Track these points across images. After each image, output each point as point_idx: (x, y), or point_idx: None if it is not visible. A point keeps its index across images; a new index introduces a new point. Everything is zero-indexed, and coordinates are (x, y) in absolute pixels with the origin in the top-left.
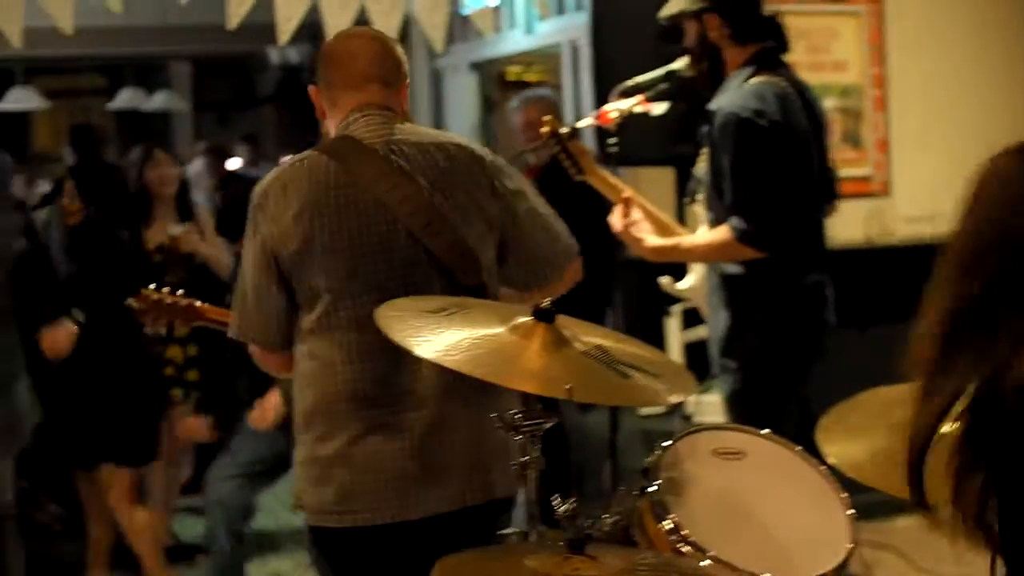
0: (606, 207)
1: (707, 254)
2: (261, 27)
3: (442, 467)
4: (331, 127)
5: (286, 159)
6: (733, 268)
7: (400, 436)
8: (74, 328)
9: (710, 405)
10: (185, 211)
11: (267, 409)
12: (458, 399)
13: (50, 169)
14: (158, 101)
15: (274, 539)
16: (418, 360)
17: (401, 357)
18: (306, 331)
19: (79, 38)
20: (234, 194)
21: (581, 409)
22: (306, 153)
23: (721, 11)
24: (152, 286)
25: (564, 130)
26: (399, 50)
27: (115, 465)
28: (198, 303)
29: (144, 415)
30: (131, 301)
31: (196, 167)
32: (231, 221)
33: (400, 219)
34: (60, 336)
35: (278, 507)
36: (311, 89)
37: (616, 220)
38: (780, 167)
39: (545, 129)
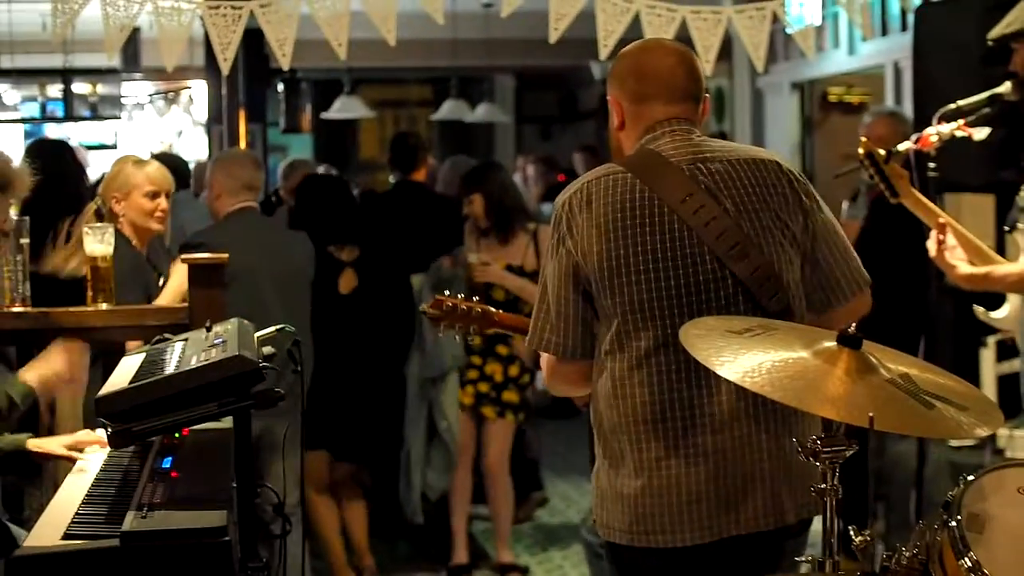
0: (926, 233)
1: (1019, 284)
2: (583, 42)
3: (739, 491)
4: (626, 140)
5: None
6: None
7: (698, 460)
8: None
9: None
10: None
11: None
12: (756, 422)
13: (374, 177)
14: (481, 113)
15: (554, 532)
16: (716, 383)
17: (700, 380)
18: (605, 349)
19: (404, 50)
20: None
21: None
22: (610, 166)
23: None
24: (447, 292)
25: (880, 152)
26: (700, 63)
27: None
28: (493, 310)
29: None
30: (424, 307)
31: (525, 175)
32: None
33: (705, 242)
34: None
35: (559, 503)
36: (611, 99)
37: (931, 245)
38: None
39: (860, 151)
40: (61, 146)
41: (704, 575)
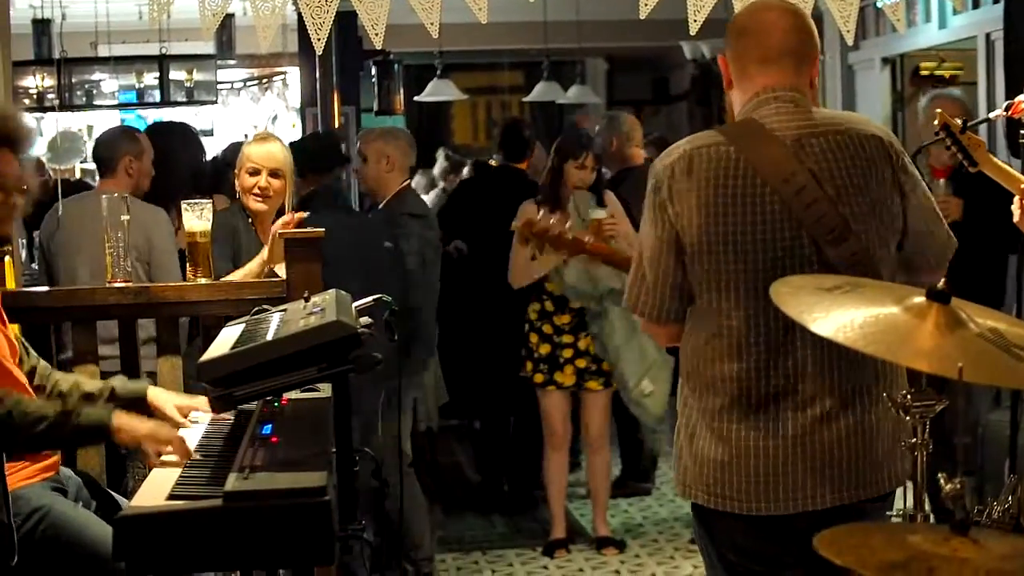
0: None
1: None
2: (674, 23)
3: (817, 467)
4: (736, 101)
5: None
6: None
7: (776, 435)
8: None
9: None
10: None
11: None
12: (838, 401)
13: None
14: (573, 95)
15: (650, 506)
16: (801, 361)
17: (785, 358)
18: (696, 314)
19: (496, 33)
20: None
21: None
22: (712, 135)
23: None
24: (541, 213)
25: (956, 123)
26: (812, 23)
27: None
28: (587, 238)
29: None
30: (515, 225)
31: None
32: None
33: (804, 224)
34: None
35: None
36: (720, 58)
37: (1015, 210)
38: None
39: (936, 122)
40: (178, 127)
41: (785, 543)
